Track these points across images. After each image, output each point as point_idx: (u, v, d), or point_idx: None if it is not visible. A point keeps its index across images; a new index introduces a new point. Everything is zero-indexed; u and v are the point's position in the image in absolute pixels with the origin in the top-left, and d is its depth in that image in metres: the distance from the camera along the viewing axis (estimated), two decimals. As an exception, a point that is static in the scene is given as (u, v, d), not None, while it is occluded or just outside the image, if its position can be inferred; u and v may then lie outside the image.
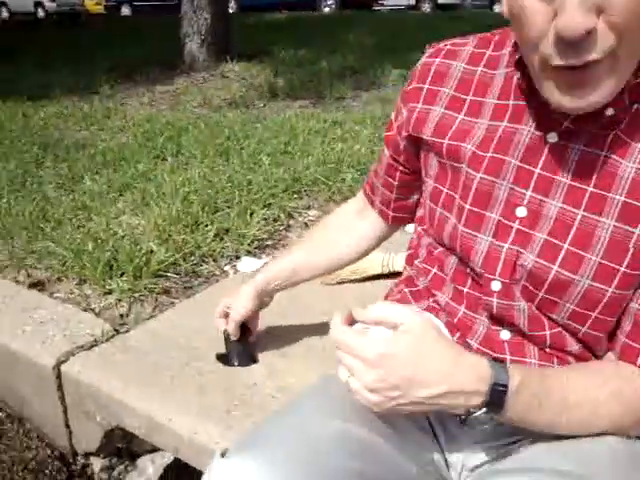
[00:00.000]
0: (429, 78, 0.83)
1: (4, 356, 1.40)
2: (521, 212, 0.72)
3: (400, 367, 0.66)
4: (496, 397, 0.66)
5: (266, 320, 1.42)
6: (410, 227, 1.99)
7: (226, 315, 1.22)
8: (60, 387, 1.30)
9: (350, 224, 1.09)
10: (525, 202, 0.72)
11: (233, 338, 1.23)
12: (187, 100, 3.43)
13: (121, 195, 2.09)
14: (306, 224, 2.08)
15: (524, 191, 0.72)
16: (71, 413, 1.32)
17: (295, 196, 2.21)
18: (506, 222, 0.73)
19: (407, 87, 0.87)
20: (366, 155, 2.46)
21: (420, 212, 0.93)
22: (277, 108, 3.32)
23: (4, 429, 1.43)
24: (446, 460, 0.83)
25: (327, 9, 15.74)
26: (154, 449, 1.37)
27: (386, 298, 1.00)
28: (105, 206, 1.97)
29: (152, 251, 1.67)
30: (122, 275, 1.60)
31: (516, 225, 0.73)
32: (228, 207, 2.02)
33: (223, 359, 1.29)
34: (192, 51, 4.36)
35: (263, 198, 2.08)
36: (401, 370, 0.66)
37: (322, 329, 1.41)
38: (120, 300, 1.54)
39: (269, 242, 1.93)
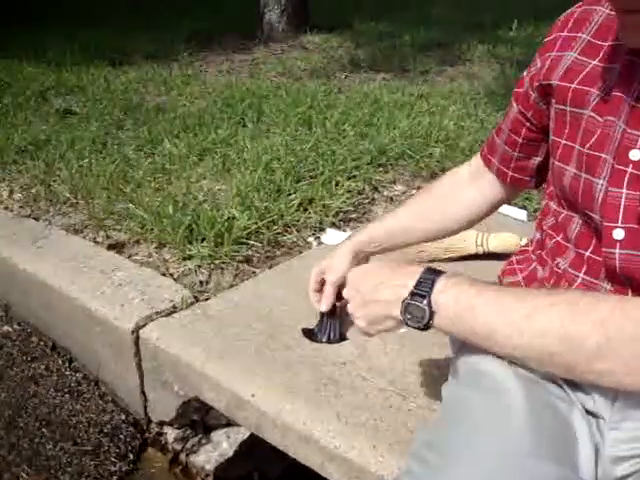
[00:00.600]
0: (568, 26, 0.80)
1: (83, 317, 1.35)
2: (635, 155, 0.68)
3: (360, 279, 0.81)
4: (422, 287, 0.70)
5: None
6: (501, 208, 1.84)
7: (322, 283, 1.13)
8: (137, 353, 1.24)
9: (461, 188, 1.02)
10: (639, 145, 0.68)
11: (326, 308, 1.13)
12: (266, 69, 3.34)
13: (201, 160, 2.02)
14: (391, 198, 1.96)
15: (637, 133, 0.68)
16: (147, 380, 1.26)
17: (380, 169, 2.09)
18: (621, 167, 0.70)
19: (546, 38, 0.84)
20: (455, 131, 2.31)
21: (548, 175, 0.88)
22: (359, 80, 3.19)
23: (81, 390, 1.39)
24: None
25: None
26: (229, 423, 1.30)
27: (510, 263, 0.93)
28: (185, 170, 1.91)
29: (234, 217, 1.59)
30: (203, 241, 1.53)
31: (630, 169, 0.69)
32: (311, 177, 1.92)
33: (310, 334, 1.20)
34: (271, 21, 4.26)
35: (348, 169, 1.97)
36: (360, 281, 0.80)
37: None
38: (200, 267, 1.47)
39: (353, 215, 1.83)
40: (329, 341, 1.18)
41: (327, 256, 1.12)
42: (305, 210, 1.75)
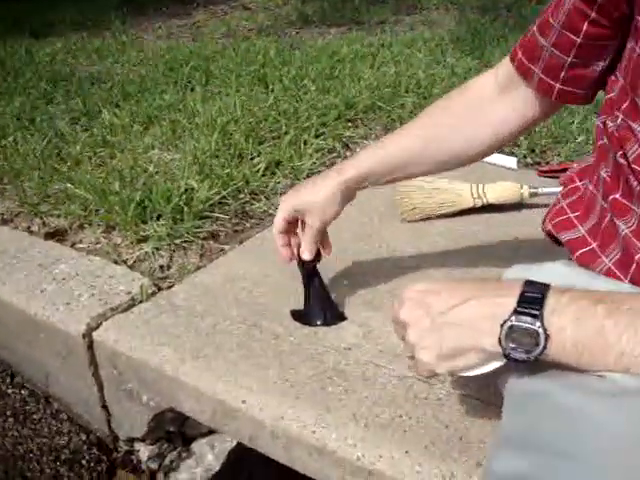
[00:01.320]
0: None
1: (21, 322, 1.11)
2: None
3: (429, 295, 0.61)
4: (530, 304, 0.53)
5: (338, 265, 1.12)
6: (494, 158, 1.65)
7: (293, 224, 0.91)
8: (93, 360, 1.01)
9: (486, 105, 0.82)
10: None
11: (309, 256, 0.94)
12: (209, 32, 3.06)
13: (147, 128, 1.77)
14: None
15: None
16: (109, 392, 1.03)
17: (349, 124, 1.88)
18: None
19: None
20: (426, 79, 2.11)
21: (614, 93, 0.67)
22: (312, 36, 2.95)
23: (28, 411, 1.15)
24: None
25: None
26: (212, 430, 1.08)
27: (560, 212, 0.76)
28: (130, 141, 1.65)
29: (192, 189, 1.36)
30: (158, 218, 1.29)
31: None
32: (275, 138, 1.69)
33: (301, 317, 0.99)
34: (209, -18, 3.96)
35: (314, 127, 1.75)
36: (430, 297, 0.61)
37: (411, 273, 1.11)
38: (158, 249, 1.24)
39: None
40: (325, 322, 0.98)
41: (300, 191, 0.90)
42: (273, 174, 1.53)
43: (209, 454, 1.10)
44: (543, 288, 0.54)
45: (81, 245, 1.29)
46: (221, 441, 1.10)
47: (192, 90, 2.07)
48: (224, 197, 1.38)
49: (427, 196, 1.36)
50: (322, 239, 0.96)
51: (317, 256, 0.97)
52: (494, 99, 0.81)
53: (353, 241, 1.24)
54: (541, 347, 0.52)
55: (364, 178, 0.87)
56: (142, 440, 1.08)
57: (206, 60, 2.36)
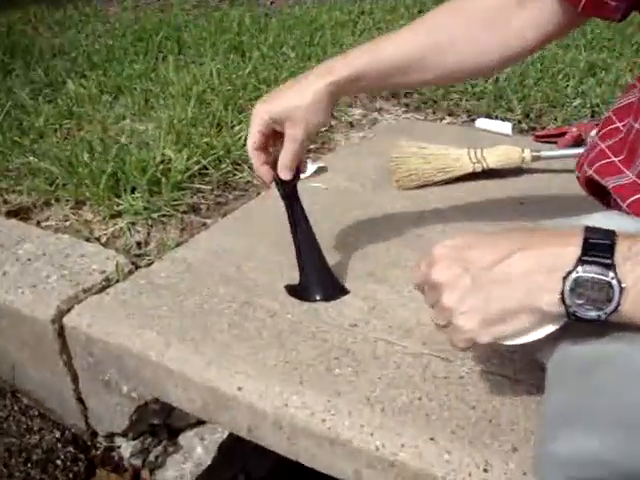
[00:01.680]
0: None
1: (-19, 309, 0.99)
2: None
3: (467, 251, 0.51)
4: (599, 252, 0.44)
5: (333, 236, 1.02)
6: (481, 122, 1.56)
7: (267, 142, 0.79)
8: (65, 348, 0.90)
9: (502, 10, 0.71)
10: None
11: (289, 174, 0.82)
12: (178, 3, 2.91)
13: (116, 98, 1.63)
14: (351, 124, 1.65)
15: None
16: (84, 383, 0.92)
17: (334, 91, 1.76)
18: None
19: None
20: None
21: None
22: (287, 4, 2.81)
23: (-7, 407, 1.03)
24: None
25: None
26: (200, 421, 0.98)
27: (601, 154, 0.66)
28: (98, 111, 1.52)
29: (170, 159, 1.24)
30: (133, 191, 1.17)
31: None
32: (255, 106, 1.57)
33: (298, 292, 0.89)
34: (176, -46, 3.78)
35: (296, 95, 1.63)
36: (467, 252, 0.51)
37: (413, 241, 1.02)
38: (134, 224, 1.12)
39: (312, 145, 1.51)
40: (325, 297, 0.88)
41: (279, 95, 0.77)
42: (256, 144, 1.41)
43: (198, 447, 1.00)
44: (610, 234, 0.45)
45: (48, 223, 1.17)
46: (211, 432, 0.99)
47: (164, 59, 1.94)
48: (204, 167, 1.26)
49: (423, 162, 1.26)
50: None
51: (296, 174, 0.85)
52: (512, 7, 0.70)
53: (347, 211, 1.14)
54: (615, 302, 0.43)
55: (357, 78, 0.73)
56: (123, 435, 0.97)
57: (177, 30, 2.22)
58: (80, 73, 1.82)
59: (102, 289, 0.93)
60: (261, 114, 0.76)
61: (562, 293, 0.45)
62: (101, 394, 0.89)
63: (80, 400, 0.94)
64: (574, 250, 0.45)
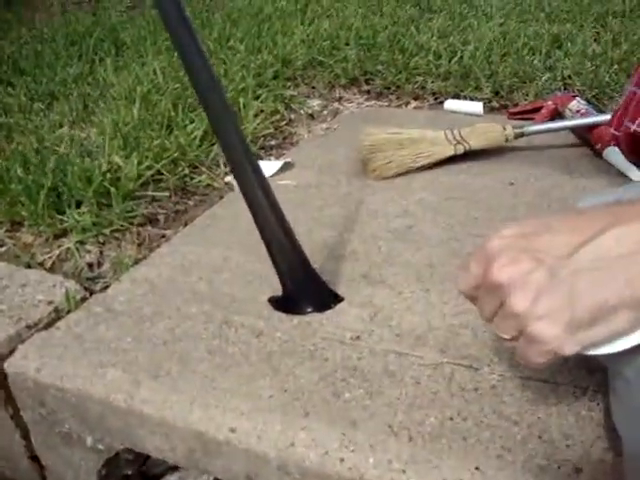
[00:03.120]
0: None
1: None
2: None
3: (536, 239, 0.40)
4: None
5: (314, 236, 0.90)
6: (449, 104, 1.46)
7: None
8: (10, 398, 0.74)
9: None
10: None
11: None
12: (111, 5, 2.72)
13: (50, 105, 1.47)
14: (312, 115, 1.54)
15: None
16: (38, 439, 0.76)
17: (289, 83, 1.64)
18: None
19: None
20: (366, 29, 1.89)
21: None
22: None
23: None
24: None
25: None
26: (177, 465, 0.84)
27: None
28: (31, 120, 1.35)
29: (119, 166, 1.09)
30: (79, 205, 1.02)
31: None
32: (207, 104, 1.43)
33: (285, 305, 0.77)
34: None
35: (250, 88, 1.50)
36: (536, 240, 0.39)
37: (405, 235, 0.91)
38: (83, 243, 0.97)
39: (273, 141, 1.38)
40: (317, 307, 0.76)
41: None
42: (212, 143, 1.27)
43: (181, 494, 0.86)
44: None
45: (-21, 250, 1.01)
46: (196, 475, 0.86)
47: (101, 62, 1.77)
48: (158, 172, 1.12)
49: (399, 147, 1.16)
50: None
51: None
52: None
53: (324, 207, 1.02)
54: None
55: None
56: (91, 490, 0.82)
57: (113, 30, 2.06)
58: (5, 81, 1.64)
59: (51, 323, 0.78)
60: None
61: None
62: (60, 449, 0.74)
63: (34, 458, 0.78)
64: None
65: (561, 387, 0.60)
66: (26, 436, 0.76)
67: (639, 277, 0.36)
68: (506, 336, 0.42)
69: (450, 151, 1.16)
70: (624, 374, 0.43)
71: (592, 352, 0.40)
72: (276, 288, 0.79)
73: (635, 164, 0.76)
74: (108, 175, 1.05)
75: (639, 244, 0.36)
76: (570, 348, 0.38)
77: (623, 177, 0.99)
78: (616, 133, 0.60)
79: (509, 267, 0.39)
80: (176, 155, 1.14)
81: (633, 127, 0.56)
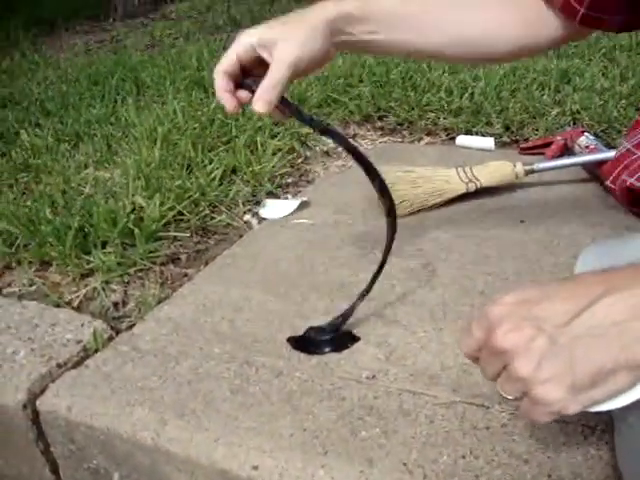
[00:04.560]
0: None
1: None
2: None
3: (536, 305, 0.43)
4: None
5: (330, 275, 0.93)
6: (461, 139, 1.50)
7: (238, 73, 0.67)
8: (41, 436, 0.78)
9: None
10: None
11: (267, 108, 0.67)
12: (132, 44, 2.83)
13: (76, 146, 1.53)
14: (327, 153, 1.58)
15: None
16: (67, 474, 0.80)
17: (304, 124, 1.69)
18: None
19: None
20: (379, 66, 1.95)
21: None
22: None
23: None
24: None
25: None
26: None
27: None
28: (58, 161, 1.41)
29: (142, 207, 1.14)
30: (104, 246, 1.07)
31: None
32: (226, 142, 1.49)
33: (303, 345, 0.80)
34: (123, -5, 3.70)
35: (267, 127, 1.56)
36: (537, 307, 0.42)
37: (421, 274, 0.94)
38: (108, 282, 1.01)
39: (290, 179, 1.43)
40: (335, 347, 0.79)
41: (269, 25, 0.67)
42: (231, 182, 1.32)
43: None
44: None
45: (10, 289, 1.05)
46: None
47: (123, 102, 1.84)
48: (179, 213, 1.16)
49: (412, 186, 1.19)
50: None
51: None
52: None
53: (340, 246, 1.06)
54: None
55: (355, 22, 0.66)
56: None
57: (134, 70, 2.13)
58: (34, 123, 1.71)
59: (80, 362, 0.82)
60: (247, 37, 0.65)
61: None
62: (89, 485, 0.78)
63: (65, 494, 0.82)
64: None
65: (570, 426, 0.63)
66: (55, 470, 0.80)
67: (633, 342, 0.38)
68: (510, 397, 0.44)
69: (462, 189, 1.19)
70: (628, 420, 0.46)
71: (595, 409, 0.42)
72: (295, 328, 0.82)
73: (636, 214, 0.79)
74: (132, 216, 1.09)
75: (631, 311, 0.39)
76: (574, 408, 0.41)
77: (630, 214, 1.02)
78: (612, 186, 0.63)
79: (512, 334, 0.42)
80: (196, 195, 1.19)
81: (631, 180, 0.59)
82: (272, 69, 0.64)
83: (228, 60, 0.66)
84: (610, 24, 0.63)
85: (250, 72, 0.68)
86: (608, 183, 0.63)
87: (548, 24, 0.66)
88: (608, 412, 0.55)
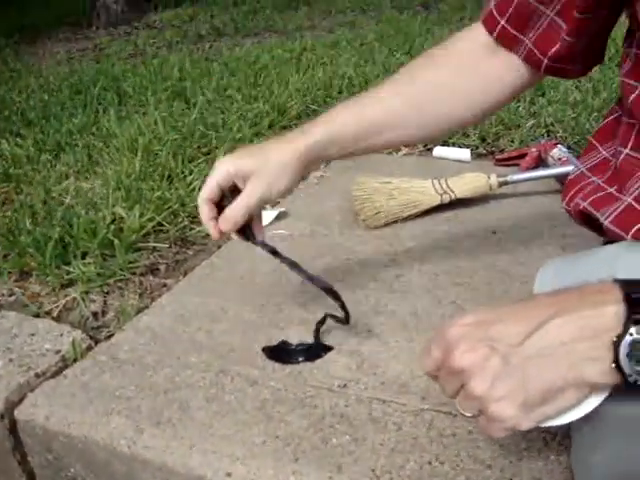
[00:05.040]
0: None
1: None
2: None
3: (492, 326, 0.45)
4: None
5: (305, 286, 0.95)
6: (438, 150, 1.54)
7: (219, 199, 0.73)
8: (18, 445, 0.79)
9: (475, 60, 0.69)
10: None
11: (227, 228, 0.75)
12: (114, 52, 2.84)
13: (57, 156, 1.54)
14: (308, 164, 1.60)
15: None
16: (45, 483, 0.81)
17: (284, 131, 1.72)
18: None
19: None
20: (357, 77, 1.98)
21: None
22: (227, 47, 2.78)
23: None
24: None
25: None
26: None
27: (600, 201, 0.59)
28: (38, 171, 1.43)
29: (121, 217, 1.15)
30: (84, 256, 1.08)
31: None
32: (206, 153, 1.51)
33: (277, 355, 0.82)
34: (107, 3, 3.69)
35: (247, 138, 1.58)
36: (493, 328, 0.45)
37: (392, 285, 0.96)
38: (88, 292, 1.03)
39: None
40: (308, 357, 0.81)
41: (246, 151, 0.72)
42: (211, 193, 1.34)
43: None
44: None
45: (-10, 299, 1.06)
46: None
47: (105, 111, 1.85)
48: (159, 224, 1.18)
49: (388, 198, 1.21)
50: (256, 221, 0.78)
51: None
52: (485, 55, 0.68)
53: (316, 257, 1.08)
54: None
55: (326, 146, 0.70)
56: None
57: (116, 80, 2.15)
58: (15, 132, 1.72)
59: (58, 371, 0.84)
60: (226, 165, 0.71)
61: (616, 360, 0.39)
62: (67, 494, 0.79)
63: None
64: (615, 309, 0.40)
65: (532, 432, 0.65)
66: (33, 480, 0.81)
67: (579, 362, 0.41)
68: (468, 414, 0.47)
69: (437, 201, 1.21)
70: (582, 429, 0.48)
71: (546, 424, 0.45)
72: (270, 338, 0.84)
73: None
74: (112, 227, 1.11)
75: (578, 332, 0.41)
76: (526, 424, 0.44)
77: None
78: (567, 207, 0.66)
79: (468, 354, 0.44)
80: (176, 206, 1.21)
81: (584, 204, 0.62)
82: (242, 198, 0.71)
83: (209, 189, 0.72)
84: (573, 72, 0.67)
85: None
86: (563, 205, 0.66)
87: (514, 74, 0.69)
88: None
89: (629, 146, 0.58)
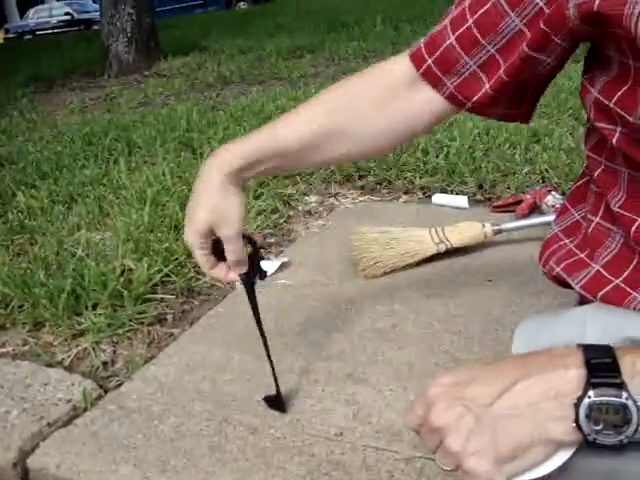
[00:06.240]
0: None
1: None
2: None
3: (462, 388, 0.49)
4: (605, 371, 0.44)
5: (306, 335, 1.00)
6: (437, 198, 1.59)
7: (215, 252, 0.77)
8: (32, 494, 0.83)
9: (395, 93, 0.70)
10: None
11: (243, 270, 0.78)
12: (125, 102, 2.94)
13: (70, 208, 1.61)
14: (309, 212, 1.66)
15: None
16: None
17: (288, 182, 1.78)
18: None
19: None
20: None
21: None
22: (233, 95, 2.88)
23: None
24: None
25: (243, 5, 15.28)
26: None
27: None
28: (52, 223, 1.49)
29: (131, 269, 1.21)
30: (95, 307, 1.13)
31: None
32: (212, 203, 1.57)
33: (278, 404, 0.86)
34: (118, 53, 3.84)
35: (252, 188, 1.64)
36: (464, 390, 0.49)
37: (389, 334, 1.00)
38: (98, 343, 1.07)
39: (273, 239, 1.50)
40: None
41: (192, 215, 0.75)
42: (216, 243, 1.39)
43: None
44: (608, 350, 0.44)
45: (3, 349, 1.11)
46: None
47: (115, 162, 1.93)
48: (166, 275, 1.23)
49: (386, 247, 1.26)
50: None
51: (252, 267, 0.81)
52: (405, 90, 0.70)
53: (316, 307, 1.12)
54: (635, 424, 0.41)
55: (252, 165, 0.73)
56: None
57: (126, 130, 2.23)
58: (30, 184, 1.79)
59: (69, 421, 0.88)
60: (192, 238, 0.74)
61: (576, 421, 0.43)
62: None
63: None
64: (577, 373, 0.44)
65: None
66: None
67: (544, 421, 0.45)
68: (447, 468, 0.50)
69: (433, 250, 1.26)
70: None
71: (522, 477, 0.48)
72: (271, 387, 0.88)
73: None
74: (121, 279, 1.16)
75: (543, 394, 0.45)
76: (500, 478, 0.47)
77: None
78: (542, 269, 0.69)
79: (444, 412, 0.48)
80: (182, 258, 1.26)
81: (557, 269, 0.65)
82: (226, 247, 0.74)
83: (203, 261, 0.76)
84: (494, 113, 0.68)
85: None
86: (540, 266, 0.69)
87: (435, 109, 0.69)
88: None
89: (599, 215, 0.62)
